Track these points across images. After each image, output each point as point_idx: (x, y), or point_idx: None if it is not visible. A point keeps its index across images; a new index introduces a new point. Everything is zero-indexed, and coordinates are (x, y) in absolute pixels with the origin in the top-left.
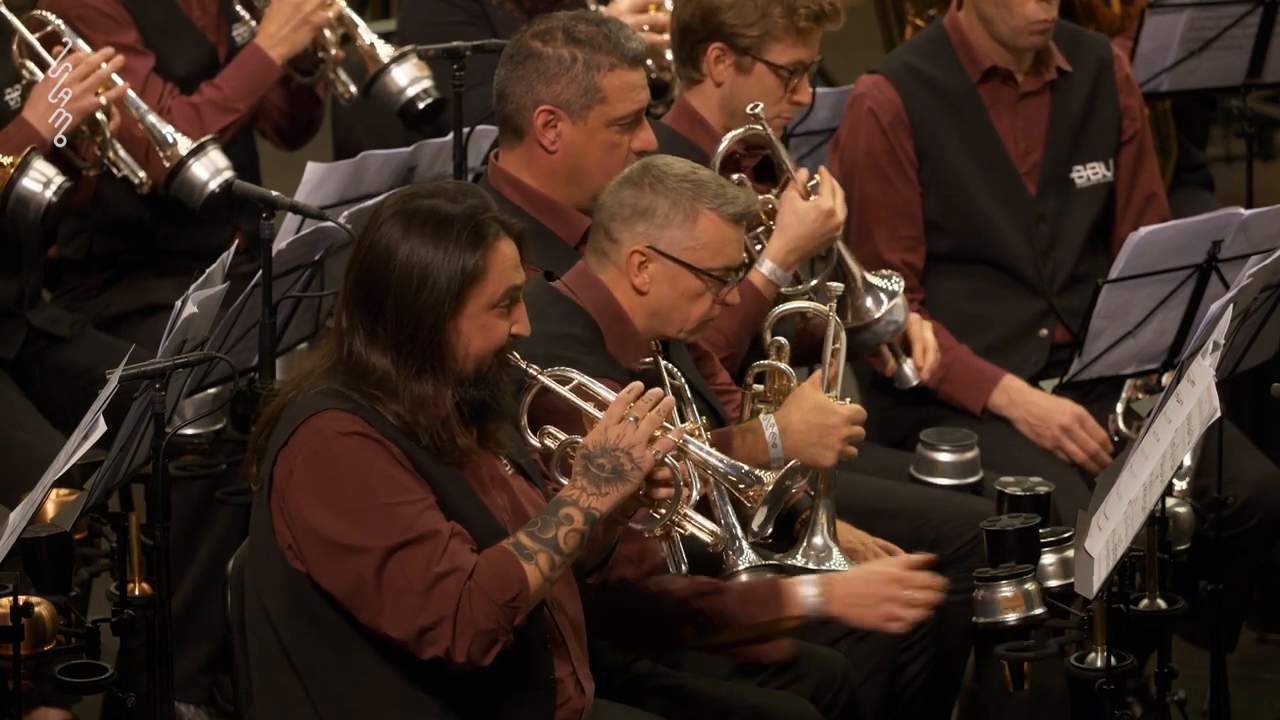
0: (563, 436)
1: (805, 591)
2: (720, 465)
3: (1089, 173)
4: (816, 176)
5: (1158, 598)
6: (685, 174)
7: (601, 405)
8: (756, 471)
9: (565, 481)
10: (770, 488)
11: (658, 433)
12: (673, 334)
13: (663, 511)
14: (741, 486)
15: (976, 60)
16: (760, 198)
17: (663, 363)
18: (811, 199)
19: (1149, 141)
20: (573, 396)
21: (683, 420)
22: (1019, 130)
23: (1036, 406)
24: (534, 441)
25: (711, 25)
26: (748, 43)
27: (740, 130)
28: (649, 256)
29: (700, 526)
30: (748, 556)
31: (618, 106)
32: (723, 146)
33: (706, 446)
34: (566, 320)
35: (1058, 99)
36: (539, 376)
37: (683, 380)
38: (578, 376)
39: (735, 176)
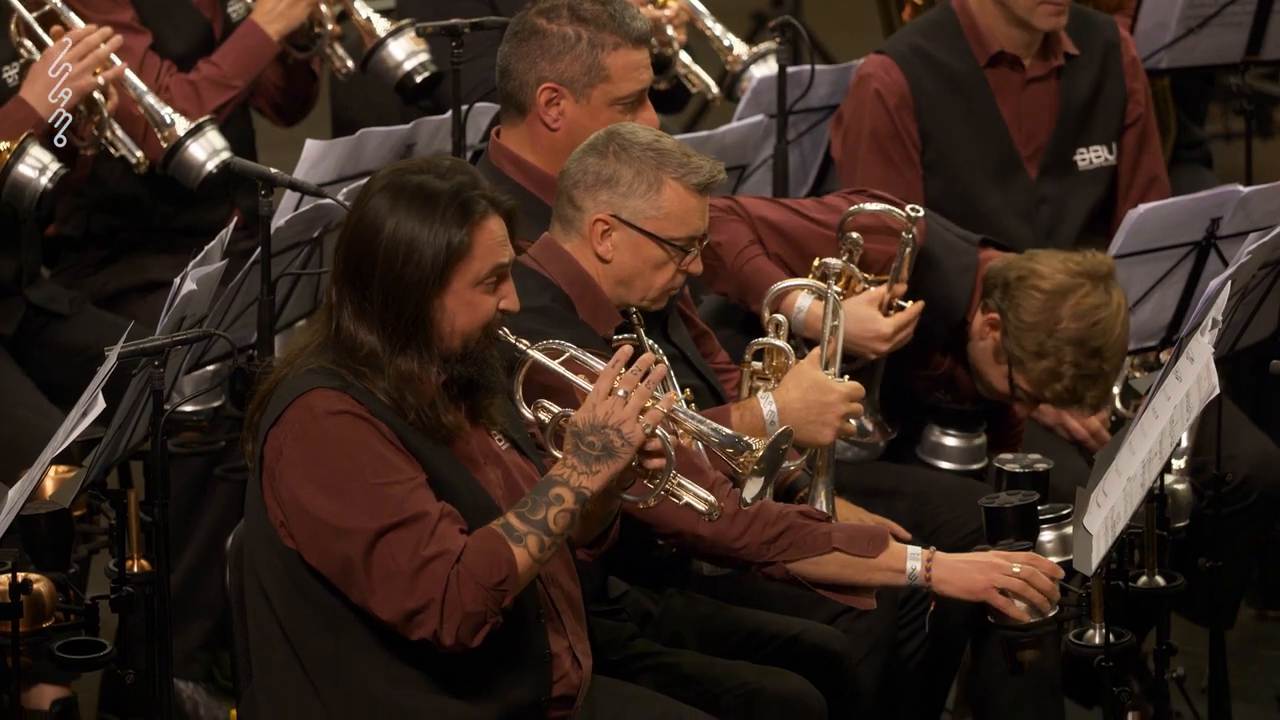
0: (556, 409)
1: (911, 551)
2: (710, 433)
3: (1092, 155)
4: (909, 304)
5: (1156, 575)
6: (650, 143)
7: (592, 378)
8: (747, 438)
9: (560, 454)
10: (761, 453)
11: (647, 404)
12: (636, 302)
13: (656, 481)
14: (731, 452)
15: (984, 44)
16: (849, 266)
17: (647, 340)
18: (882, 316)
19: (1153, 125)
20: (564, 370)
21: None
22: (1024, 114)
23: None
24: (528, 415)
25: (1004, 304)
26: (1009, 353)
27: (889, 208)
28: (612, 225)
29: (695, 495)
30: None
31: (621, 85)
32: (870, 206)
33: (696, 414)
34: (537, 294)
35: (1064, 84)
36: (529, 351)
37: (663, 356)
38: (569, 350)
39: (854, 234)
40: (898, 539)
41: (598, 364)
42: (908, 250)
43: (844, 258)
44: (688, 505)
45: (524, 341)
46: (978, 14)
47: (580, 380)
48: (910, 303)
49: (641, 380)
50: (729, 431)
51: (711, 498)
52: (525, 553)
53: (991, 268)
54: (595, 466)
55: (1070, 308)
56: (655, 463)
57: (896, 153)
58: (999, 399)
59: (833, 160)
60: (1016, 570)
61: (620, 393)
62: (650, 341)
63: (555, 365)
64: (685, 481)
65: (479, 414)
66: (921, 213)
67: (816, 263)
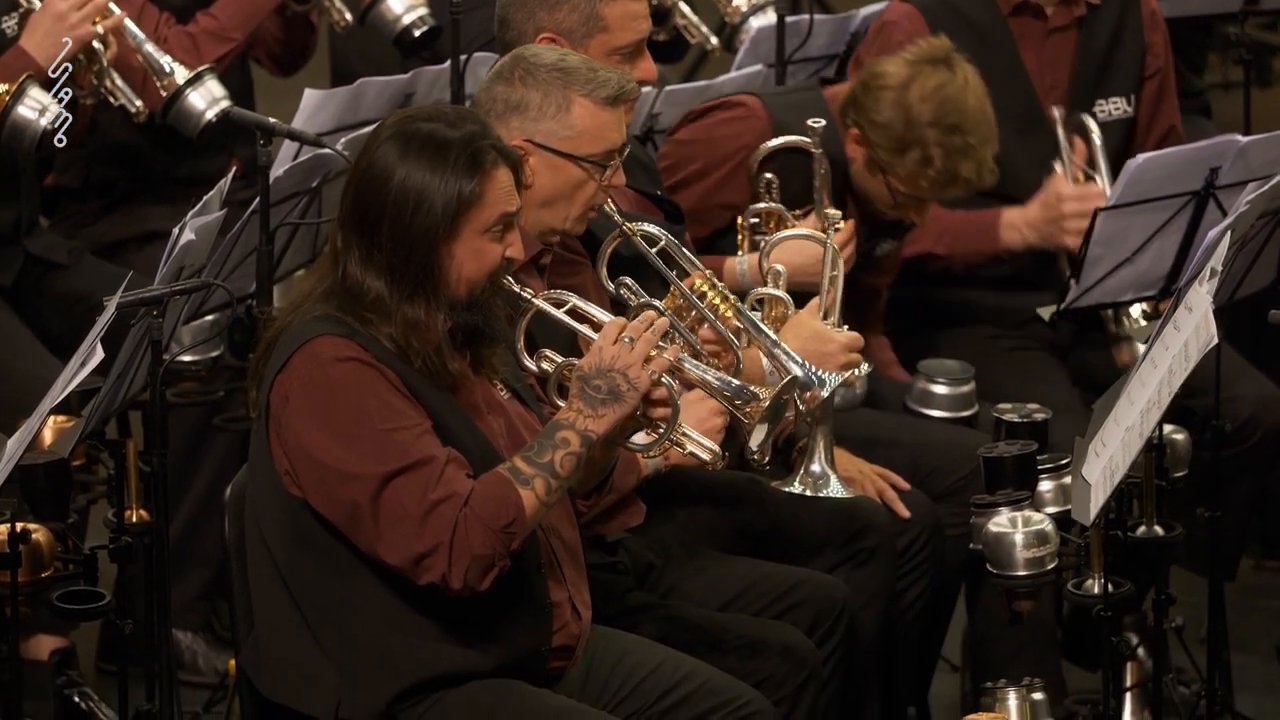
0: (559, 359)
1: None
2: (716, 383)
3: (1110, 107)
4: (841, 223)
5: (1155, 525)
6: (554, 63)
7: (597, 327)
8: (752, 387)
9: (563, 404)
10: (767, 404)
11: (653, 352)
12: (559, 225)
13: (661, 430)
14: (738, 403)
15: None
16: (773, 207)
17: (641, 229)
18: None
19: (1171, 79)
20: (568, 319)
21: (685, 274)
22: (1045, 64)
23: (1034, 215)
24: (530, 365)
25: (858, 117)
26: (878, 159)
27: (793, 139)
28: (528, 150)
29: (699, 444)
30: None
31: (619, 35)
32: (772, 143)
33: (702, 364)
34: None
35: (1084, 34)
36: (533, 300)
37: (666, 240)
38: (573, 299)
39: (767, 175)
40: (896, 489)
41: (601, 314)
42: (822, 170)
43: (766, 199)
44: (691, 455)
45: (528, 290)
46: None
47: (584, 329)
48: (844, 221)
49: (647, 329)
50: (737, 382)
51: (715, 447)
52: (532, 495)
53: (841, 97)
54: (601, 410)
55: (916, 93)
56: (660, 412)
57: None
58: (896, 216)
59: None
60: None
61: (626, 339)
62: (646, 228)
63: (559, 314)
64: (690, 431)
65: (481, 363)
66: (823, 122)
67: (741, 221)
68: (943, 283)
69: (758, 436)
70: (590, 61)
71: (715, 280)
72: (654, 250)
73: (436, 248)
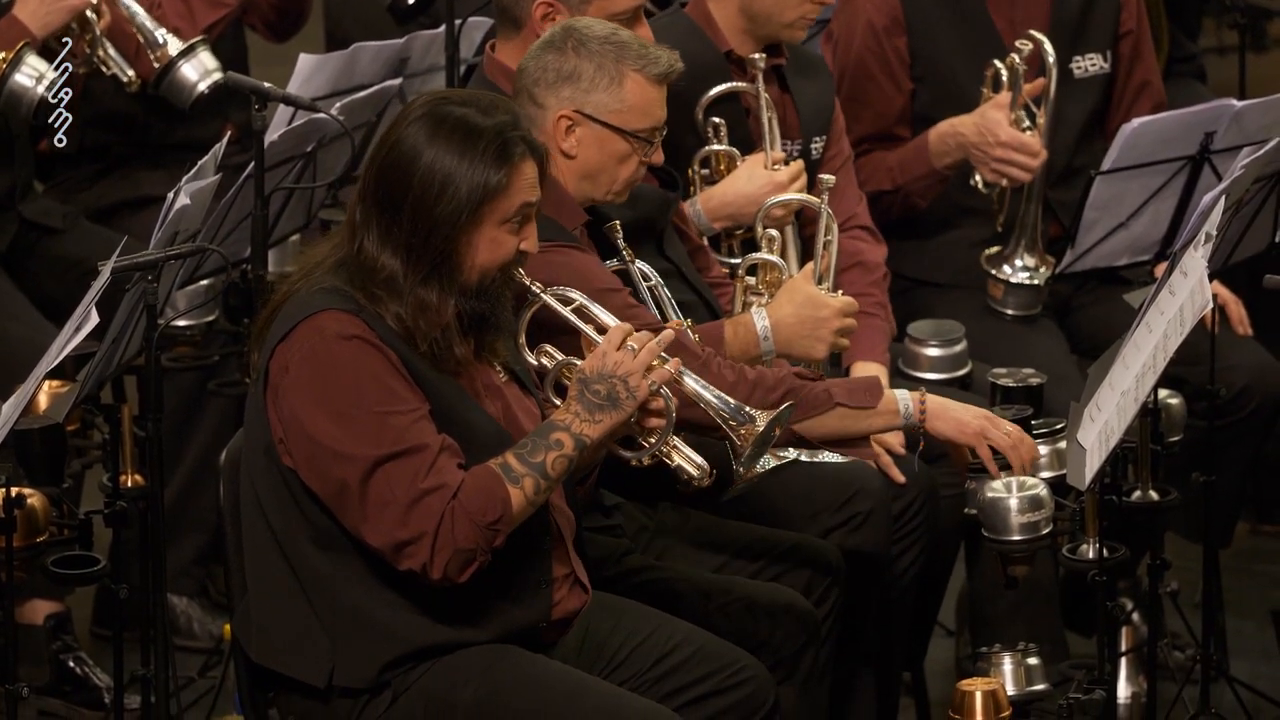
0: (560, 357)
1: (900, 394)
2: (714, 401)
3: (1087, 64)
4: (793, 163)
5: (1150, 489)
6: (607, 36)
7: (601, 328)
8: (750, 410)
9: (559, 401)
10: (761, 428)
11: (655, 363)
12: (601, 197)
13: (652, 440)
14: (733, 424)
15: None
16: (724, 149)
17: (638, 265)
18: (771, 171)
19: (1147, 35)
20: (573, 317)
21: (664, 319)
22: (1018, 23)
23: (965, 133)
24: (531, 359)
25: None
26: None
27: (730, 85)
28: (576, 120)
29: (688, 458)
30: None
31: (617, 1)
32: (712, 92)
33: (702, 381)
34: None
35: None
36: (541, 294)
37: (656, 281)
38: (579, 298)
39: (714, 120)
40: (891, 453)
41: (607, 317)
42: (767, 114)
43: (713, 143)
44: (679, 468)
45: (537, 285)
46: None
47: (589, 329)
48: (792, 161)
49: (652, 339)
50: (734, 401)
51: (704, 463)
52: (521, 494)
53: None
54: (598, 415)
55: None
56: (655, 422)
57: (883, 76)
58: (802, 20)
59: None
60: (1007, 430)
61: (630, 347)
62: (642, 265)
63: (566, 312)
64: (680, 444)
65: (483, 349)
66: (762, 64)
67: (692, 167)
68: (927, 231)
69: (744, 455)
70: (638, 38)
71: (690, 334)
72: (646, 285)
73: (456, 234)
